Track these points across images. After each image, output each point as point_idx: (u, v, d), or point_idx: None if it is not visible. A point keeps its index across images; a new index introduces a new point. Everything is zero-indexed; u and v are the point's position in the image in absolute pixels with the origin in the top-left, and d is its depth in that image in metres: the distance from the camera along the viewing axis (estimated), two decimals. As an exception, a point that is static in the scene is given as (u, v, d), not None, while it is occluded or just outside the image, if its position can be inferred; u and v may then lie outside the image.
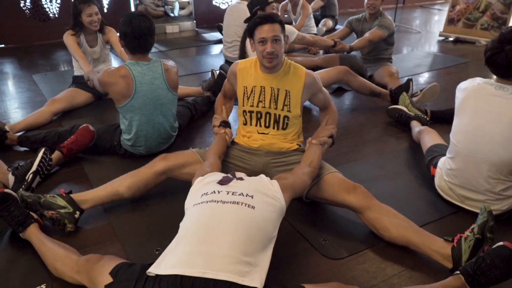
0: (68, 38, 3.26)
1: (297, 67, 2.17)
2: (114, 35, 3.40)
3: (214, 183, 1.63)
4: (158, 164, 2.11)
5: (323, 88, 2.29)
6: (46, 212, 1.90)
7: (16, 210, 1.80)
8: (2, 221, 1.83)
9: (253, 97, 2.15)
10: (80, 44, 3.31)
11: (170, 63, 2.58)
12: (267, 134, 2.17)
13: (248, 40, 2.20)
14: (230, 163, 2.18)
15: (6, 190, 1.80)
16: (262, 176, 1.73)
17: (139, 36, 2.36)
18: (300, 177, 1.83)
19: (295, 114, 2.15)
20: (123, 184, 2.06)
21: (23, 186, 2.13)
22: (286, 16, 5.42)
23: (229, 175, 1.69)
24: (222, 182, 1.63)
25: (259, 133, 2.18)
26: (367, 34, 3.80)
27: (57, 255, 1.66)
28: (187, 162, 2.12)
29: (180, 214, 1.63)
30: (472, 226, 1.69)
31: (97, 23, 3.25)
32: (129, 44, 2.41)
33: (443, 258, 1.71)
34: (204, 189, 1.61)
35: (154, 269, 1.37)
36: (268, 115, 2.15)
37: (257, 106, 2.15)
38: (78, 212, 1.95)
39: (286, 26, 3.31)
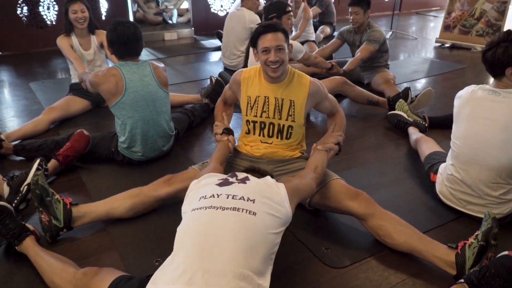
0: (60, 41, 3.29)
1: (301, 75, 2.14)
2: (105, 37, 3.38)
3: (213, 185, 1.53)
4: (161, 190, 2.07)
5: (329, 95, 2.25)
6: (42, 212, 1.91)
7: (11, 223, 1.77)
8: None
9: (257, 107, 2.13)
10: (74, 47, 3.31)
11: (158, 63, 2.65)
12: (270, 143, 2.16)
13: (251, 50, 2.16)
14: (231, 168, 2.17)
15: (0, 203, 1.77)
16: (268, 178, 1.63)
17: (125, 42, 2.43)
18: (307, 181, 1.77)
19: (299, 124, 2.13)
20: (124, 205, 2.04)
21: (17, 198, 2.10)
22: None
23: (228, 177, 1.59)
24: (222, 184, 1.54)
25: (262, 142, 2.16)
26: (358, 53, 3.81)
27: (54, 268, 1.62)
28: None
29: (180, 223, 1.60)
30: (476, 233, 1.68)
31: (83, 20, 3.25)
32: (117, 51, 2.49)
33: (447, 265, 1.70)
34: (202, 192, 1.52)
35: (152, 286, 1.31)
36: (271, 125, 2.13)
37: (261, 116, 2.13)
38: (65, 230, 1.95)
39: (295, 44, 3.37)
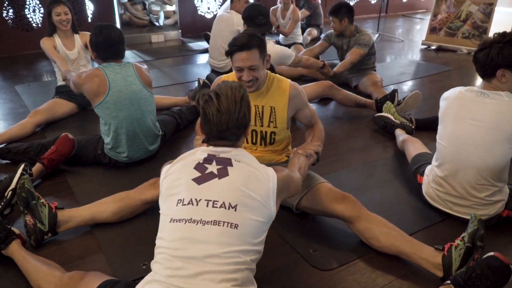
0: (44, 43, 3.32)
1: (280, 80, 2.11)
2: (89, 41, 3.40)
3: (190, 181, 1.38)
4: (147, 193, 2.06)
5: (309, 104, 2.22)
6: (27, 215, 1.90)
7: None
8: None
9: None
10: (57, 48, 3.33)
11: (141, 64, 2.69)
12: (255, 149, 2.16)
13: None
14: None
15: None
16: (258, 166, 1.46)
17: (110, 45, 2.46)
18: (297, 175, 1.70)
19: (281, 129, 2.12)
20: (110, 209, 2.03)
21: (2, 203, 2.07)
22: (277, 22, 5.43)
23: (205, 163, 1.42)
24: (200, 180, 1.39)
25: (246, 148, 2.15)
26: (348, 56, 3.83)
27: (40, 272, 1.61)
28: None
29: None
30: (462, 235, 1.70)
31: (66, 22, 3.30)
32: (101, 53, 2.50)
33: (434, 266, 1.71)
34: (178, 189, 1.39)
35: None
36: (254, 132, 2.13)
37: None
38: (50, 234, 1.93)
39: (283, 50, 3.36)
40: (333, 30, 4.02)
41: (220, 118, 1.38)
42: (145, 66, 2.70)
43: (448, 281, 1.58)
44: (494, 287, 1.51)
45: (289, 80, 2.14)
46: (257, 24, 3.09)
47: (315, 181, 2.02)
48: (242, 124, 1.45)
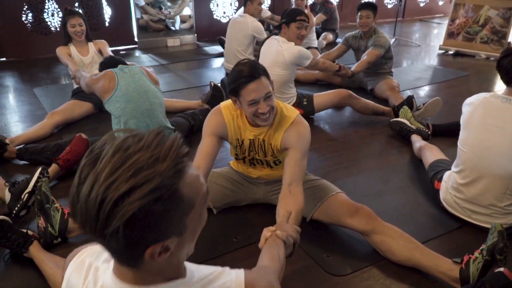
0: (59, 50, 3.50)
1: (284, 116, 1.87)
2: (103, 45, 3.63)
3: None
4: None
5: (304, 156, 1.83)
6: (40, 218, 1.93)
7: (13, 234, 1.80)
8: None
9: (245, 148, 1.98)
10: (72, 55, 3.50)
11: (146, 67, 2.83)
12: (263, 169, 2.08)
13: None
14: (228, 189, 2.16)
15: None
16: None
17: (113, 63, 2.72)
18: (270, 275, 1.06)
19: (284, 157, 1.91)
20: None
21: (18, 205, 2.10)
22: None
23: None
24: None
25: (255, 166, 2.08)
26: (364, 56, 3.82)
27: (56, 273, 1.65)
28: None
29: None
30: (481, 247, 1.65)
31: (81, 33, 3.46)
32: (106, 68, 2.70)
33: (451, 280, 1.68)
34: None
35: None
36: (259, 160, 2.03)
37: (249, 155, 2.02)
38: (59, 239, 1.96)
39: (302, 50, 3.32)
40: (355, 31, 4.03)
41: (76, 207, 0.71)
42: (151, 69, 2.83)
43: None
44: None
45: (296, 114, 1.88)
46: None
47: (327, 193, 1.98)
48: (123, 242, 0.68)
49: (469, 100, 2.10)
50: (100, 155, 0.70)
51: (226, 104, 1.92)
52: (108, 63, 2.74)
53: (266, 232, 1.41)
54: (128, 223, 0.66)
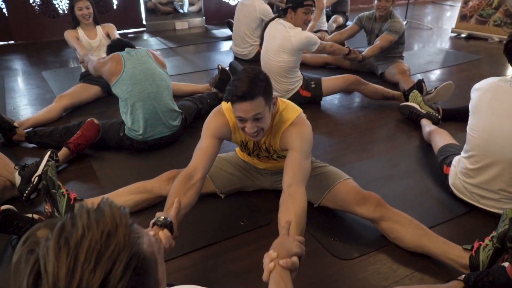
0: (67, 34, 3.52)
1: (283, 118, 1.77)
2: (111, 29, 3.65)
3: None
4: (166, 188, 1.96)
5: (307, 156, 1.71)
6: (46, 203, 1.95)
7: (20, 222, 1.82)
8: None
9: (249, 148, 1.96)
10: (80, 39, 3.50)
11: (153, 50, 2.83)
12: (269, 160, 2.05)
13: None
14: (235, 176, 2.15)
15: (2, 207, 1.80)
16: None
17: (121, 46, 2.71)
18: None
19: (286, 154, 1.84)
20: (128, 203, 2.02)
21: (28, 188, 2.12)
22: None
23: None
24: None
25: (260, 158, 2.04)
26: (377, 41, 3.75)
27: None
28: None
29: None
30: (492, 234, 1.64)
31: (88, 16, 3.47)
32: (113, 51, 2.70)
33: (461, 267, 1.68)
34: None
35: None
36: (264, 157, 2.00)
37: (253, 152, 2.00)
38: None
39: (309, 36, 3.27)
40: (369, 12, 3.95)
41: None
42: (158, 52, 2.84)
43: (461, 277, 1.56)
44: None
45: (296, 115, 1.77)
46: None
47: (334, 181, 1.96)
48: None
49: (477, 85, 2.06)
50: (39, 266, 0.56)
51: (228, 106, 1.81)
52: (115, 46, 2.74)
53: (268, 260, 1.28)
54: None
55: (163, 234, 1.45)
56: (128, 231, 0.60)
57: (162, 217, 1.48)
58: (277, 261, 1.26)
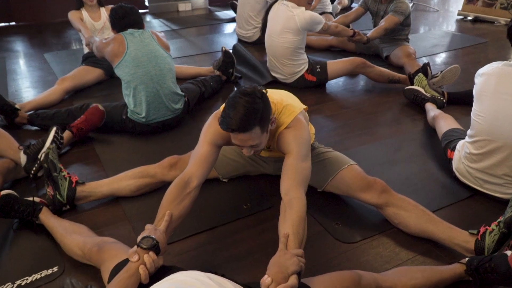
0: (71, 15, 3.48)
1: (279, 122, 1.70)
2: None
3: None
4: (168, 174, 2.02)
5: (302, 158, 1.62)
6: (48, 186, 1.95)
7: (21, 206, 1.82)
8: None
9: None
10: (84, 20, 3.47)
11: (157, 32, 2.78)
12: (269, 151, 2.01)
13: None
14: (239, 163, 2.14)
15: (2, 192, 1.80)
16: None
17: (123, 15, 2.60)
18: None
19: None
20: (130, 187, 2.03)
21: (35, 166, 2.12)
22: None
23: None
24: None
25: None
26: (382, 22, 3.69)
27: (66, 238, 1.69)
28: None
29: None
30: (499, 219, 1.63)
31: None
32: (117, 25, 2.62)
33: (466, 251, 1.68)
34: None
35: None
36: (267, 150, 1.97)
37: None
38: (68, 206, 1.97)
39: (313, 15, 3.21)
40: None
41: None
42: (162, 33, 2.78)
43: (464, 260, 1.56)
44: (501, 283, 1.48)
45: (291, 119, 1.69)
46: None
47: (339, 167, 1.94)
48: None
49: (481, 70, 2.03)
50: None
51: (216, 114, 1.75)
52: (116, 16, 2.60)
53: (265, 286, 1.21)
54: None
55: (148, 257, 1.33)
56: None
57: (147, 239, 1.37)
58: (272, 287, 1.20)
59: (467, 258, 1.57)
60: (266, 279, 1.21)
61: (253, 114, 1.47)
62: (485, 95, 1.97)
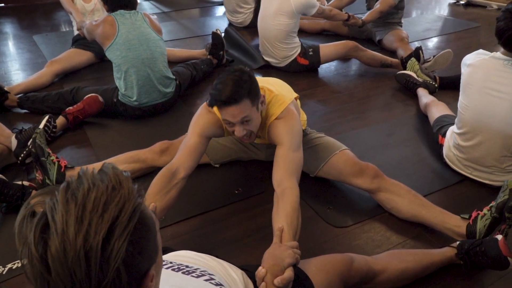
0: None
1: (268, 112, 1.69)
2: None
3: None
4: (159, 160, 2.02)
5: (294, 148, 1.61)
6: (37, 171, 1.94)
7: (10, 189, 1.81)
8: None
9: None
10: (75, 1, 3.35)
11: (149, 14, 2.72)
12: (263, 139, 1.97)
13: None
14: (231, 148, 2.13)
15: None
16: None
17: (117, 4, 2.53)
18: None
19: None
20: None
21: (24, 152, 2.11)
22: None
23: None
24: None
25: None
26: (377, 5, 3.66)
27: None
28: None
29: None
30: (491, 204, 1.65)
31: None
32: (110, 3, 2.56)
33: (458, 235, 1.69)
34: None
35: None
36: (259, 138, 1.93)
37: None
38: None
39: (309, 0, 3.22)
40: None
41: (49, 279, 0.57)
42: (154, 16, 2.73)
43: (455, 244, 1.59)
44: (490, 267, 1.51)
45: (282, 109, 1.68)
46: None
47: (331, 152, 1.94)
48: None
49: (468, 60, 2.02)
50: (46, 219, 0.58)
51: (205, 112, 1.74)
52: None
53: (259, 280, 1.18)
54: (126, 259, 0.59)
55: None
56: (131, 187, 0.63)
57: None
58: (268, 279, 1.17)
59: (458, 242, 1.59)
60: (260, 271, 1.19)
61: (242, 85, 1.51)
62: (471, 89, 1.97)
